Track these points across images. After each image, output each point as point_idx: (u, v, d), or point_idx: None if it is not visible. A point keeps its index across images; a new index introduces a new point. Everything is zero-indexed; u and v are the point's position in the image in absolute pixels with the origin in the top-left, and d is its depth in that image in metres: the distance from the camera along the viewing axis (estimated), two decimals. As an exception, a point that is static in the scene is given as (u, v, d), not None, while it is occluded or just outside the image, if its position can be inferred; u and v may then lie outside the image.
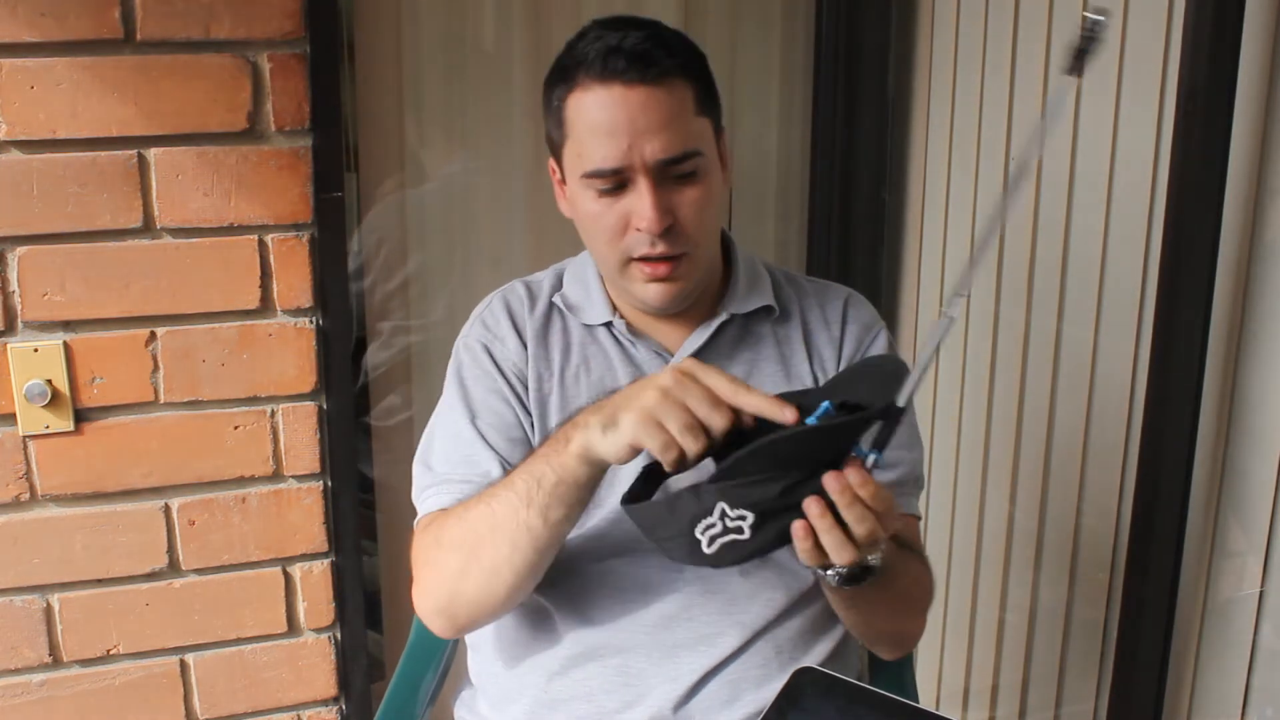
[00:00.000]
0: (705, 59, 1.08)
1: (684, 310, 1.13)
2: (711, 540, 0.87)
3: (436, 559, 1.06)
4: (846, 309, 1.19)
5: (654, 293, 1.07)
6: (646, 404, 0.89)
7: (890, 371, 0.91)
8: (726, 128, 1.13)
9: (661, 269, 1.05)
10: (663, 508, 0.90)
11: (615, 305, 1.15)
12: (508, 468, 1.08)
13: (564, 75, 1.04)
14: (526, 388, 1.13)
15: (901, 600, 1.09)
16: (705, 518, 0.87)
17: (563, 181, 1.12)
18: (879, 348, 1.18)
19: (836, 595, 1.04)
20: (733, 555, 0.88)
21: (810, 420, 0.88)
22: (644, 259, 1.05)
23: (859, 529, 0.86)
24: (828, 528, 0.86)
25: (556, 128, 1.08)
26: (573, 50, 1.04)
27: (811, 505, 0.85)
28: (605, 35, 1.02)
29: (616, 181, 1.03)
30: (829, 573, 0.94)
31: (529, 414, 1.12)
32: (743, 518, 0.87)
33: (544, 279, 1.21)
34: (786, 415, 0.87)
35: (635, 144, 1.01)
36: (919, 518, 1.18)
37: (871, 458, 0.87)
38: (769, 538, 0.87)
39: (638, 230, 1.03)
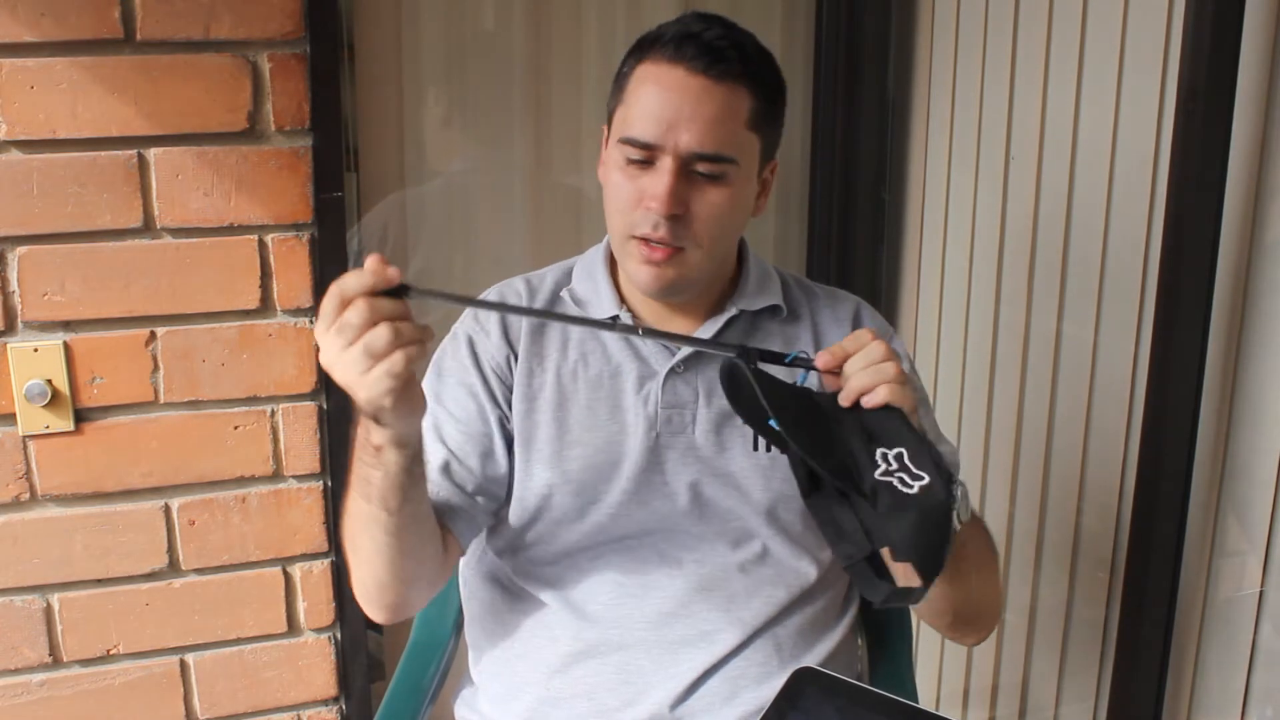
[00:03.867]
0: (782, 85, 1.10)
1: (692, 304, 1.14)
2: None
3: (349, 560, 1.08)
4: (859, 313, 1.20)
5: (644, 274, 1.08)
6: (328, 360, 0.88)
7: None
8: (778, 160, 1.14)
9: (657, 253, 1.06)
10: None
11: (624, 299, 1.16)
12: (453, 461, 1.10)
13: (641, 46, 1.08)
14: (508, 384, 1.13)
15: (987, 569, 1.09)
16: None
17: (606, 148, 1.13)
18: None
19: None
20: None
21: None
22: (644, 239, 1.06)
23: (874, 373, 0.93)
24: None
25: (617, 92, 1.10)
26: (661, 27, 1.07)
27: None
28: (692, 24, 1.05)
29: (646, 156, 1.04)
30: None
31: (500, 408, 1.12)
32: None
33: (548, 273, 1.21)
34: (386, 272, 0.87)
35: (675, 127, 1.02)
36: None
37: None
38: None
39: (647, 209, 1.04)
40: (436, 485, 1.09)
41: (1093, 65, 1.49)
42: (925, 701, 1.54)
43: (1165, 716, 1.40)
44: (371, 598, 1.08)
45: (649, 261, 1.06)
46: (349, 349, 0.86)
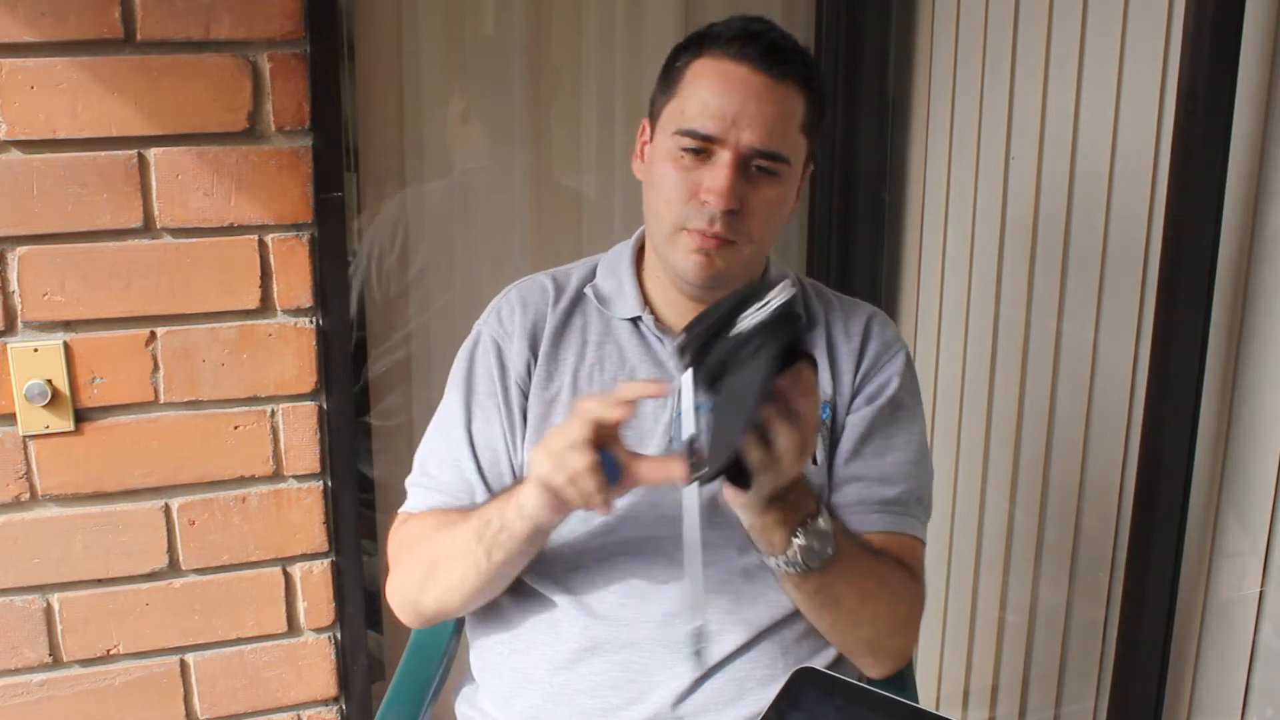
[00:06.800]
0: (827, 96, 1.13)
1: None
2: None
3: (405, 564, 1.16)
4: (870, 325, 1.20)
5: (694, 264, 1.08)
6: (541, 474, 0.95)
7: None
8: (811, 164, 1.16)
9: (711, 242, 1.06)
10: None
11: (647, 300, 1.16)
12: (485, 479, 1.14)
13: (697, 42, 1.09)
14: (525, 391, 1.15)
15: (871, 604, 1.08)
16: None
17: (648, 141, 1.14)
18: (895, 367, 1.18)
19: (803, 594, 1.05)
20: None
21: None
22: (699, 231, 1.06)
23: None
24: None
25: (667, 87, 1.10)
26: (713, 26, 1.08)
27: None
28: (751, 24, 1.07)
29: (703, 148, 1.05)
30: (778, 560, 0.98)
31: (524, 417, 1.15)
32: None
33: (574, 270, 1.22)
34: (652, 389, 0.93)
35: (739, 123, 1.04)
36: (920, 540, 1.16)
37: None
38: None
39: (704, 202, 1.05)
40: (481, 496, 1.14)
41: (1093, 65, 1.49)
42: (925, 701, 1.54)
43: (1165, 716, 1.40)
44: (419, 610, 1.16)
45: (700, 250, 1.07)
46: (566, 454, 0.92)
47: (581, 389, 1.14)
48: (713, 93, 1.05)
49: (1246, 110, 1.24)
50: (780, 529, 0.97)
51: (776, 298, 0.85)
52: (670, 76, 1.10)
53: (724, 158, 1.04)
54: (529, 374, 1.15)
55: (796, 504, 0.97)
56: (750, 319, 0.85)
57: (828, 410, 1.15)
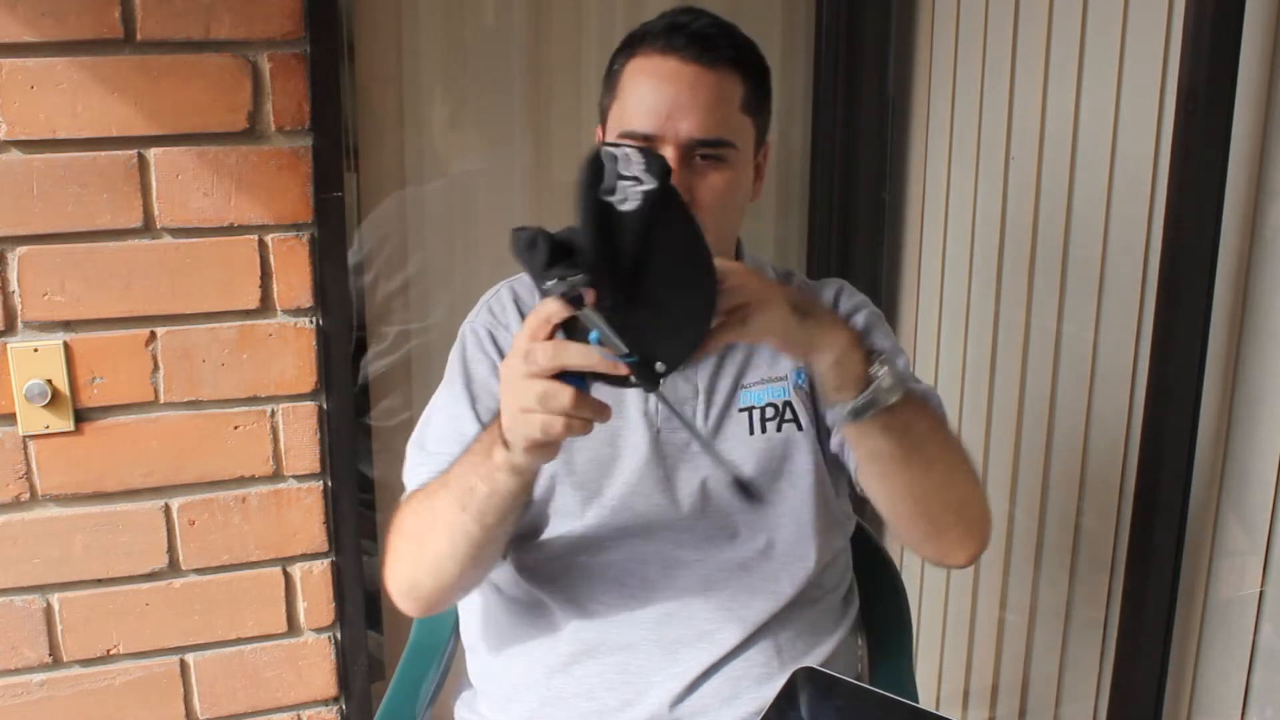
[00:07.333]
0: (768, 71, 1.13)
1: None
2: None
3: (398, 546, 1.09)
4: (839, 297, 1.22)
5: None
6: (505, 373, 0.89)
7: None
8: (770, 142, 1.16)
9: None
10: None
11: None
12: None
13: (629, 43, 1.10)
14: None
15: (955, 452, 1.07)
16: None
17: None
18: (862, 316, 1.20)
19: (891, 438, 1.00)
20: None
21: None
22: None
23: None
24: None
25: (609, 90, 1.11)
26: (645, 24, 1.09)
27: None
28: (677, 16, 1.07)
29: (647, 147, 1.04)
30: (864, 399, 0.94)
31: None
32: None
33: None
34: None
35: (674, 116, 1.04)
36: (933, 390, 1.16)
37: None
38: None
39: None
40: None
41: (1093, 65, 1.49)
42: (925, 701, 1.54)
43: (1165, 716, 1.40)
44: (419, 594, 1.09)
45: None
46: (528, 381, 0.85)
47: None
48: (646, 90, 1.06)
49: (1246, 110, 1.23)
50: (854, 354, 0.95)
51: (632, 184, 0.81)
52: (610, 80, 1.11)
53: (667, 153, 1.05)
54: None
55: (848, 352, 0.95)
56: (626, 205, 0.82)
57: (803, 376, 1.16)
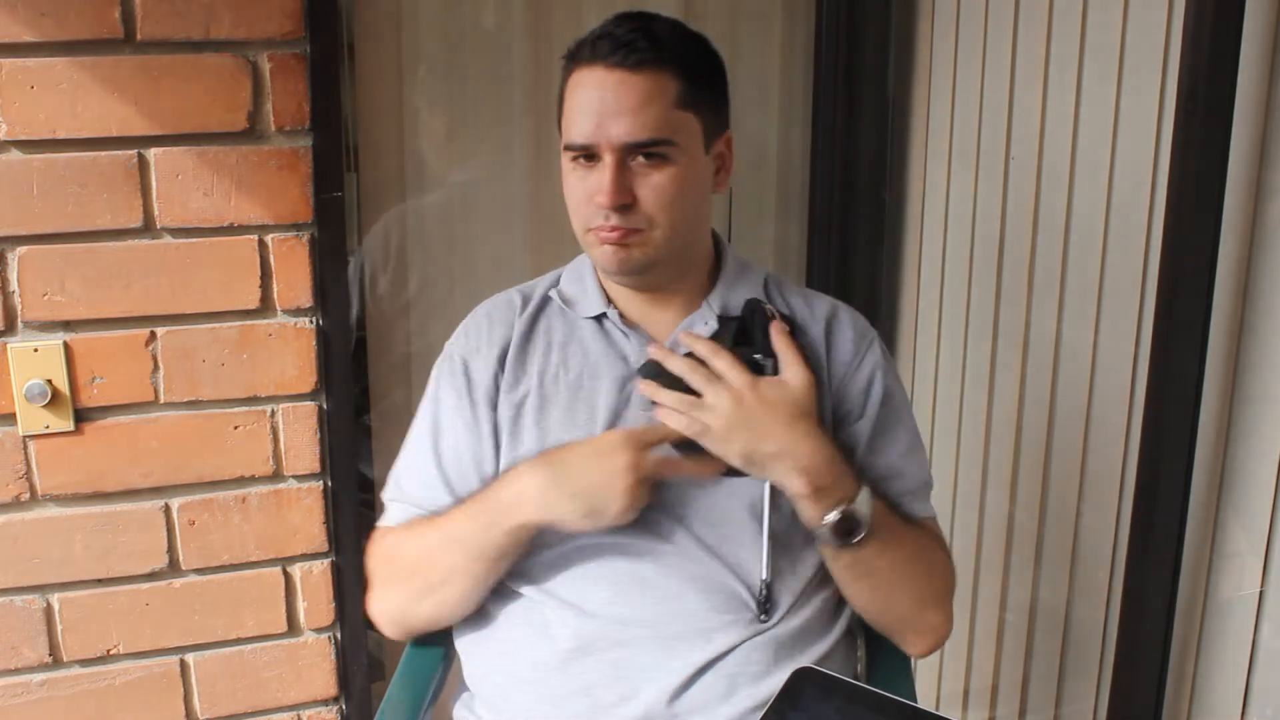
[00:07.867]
0: (711, 61, 1.15)
1: (669, 297, 1.19)
2: None
3: (390, 578, 1.19)
4: (836, 312, 1.23)
5: (607, 255, 1.12)
6: (619, 495, 1.05)
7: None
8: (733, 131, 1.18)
9: (615, 234, 1.10)
10: None
11: (610, 298, 1.20)
12: (456, 495, 1.16)
13: (568, 57, 1.13)
14: (494, 402, 1.18)
15: (910, 576, 1.14)
16: None
17: None
18: (874, 358, 1.21)
19: (841, 564, 1.11)
20: None
21: None
22: (599, 229, 1.11)
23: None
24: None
25: (559, 105, 1.15)
26: (581, 38, 1.12)
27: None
28: (609, 24, 1.10)
29: (588, 155, 1.09)
30: (824, 523, 1.06)
31: (494, 428, 1.18)
32: None
33: (541, 281, 1.26)
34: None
35: (603, 124, 1.07)
36: (935, 516, 1.23)
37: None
38: None
39: (598, 205, 1.09)
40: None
41: (1093, 65, 1.49)
42: (925, 701, 1.54)
43: (1165, 716, 1.40)
44: (410, 627, 1.21)
45: (609, 243, 1.11)
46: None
47: (548, 390, 1.16)
48: (580, 102, 1.09)
49: (1246, 110, 1.23)
50: (806, 503, 1.07)
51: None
52: (559, 96, 1.14)
53: (606, 160, 1.08)
54: (496, 385, 1.18)
55: (833, 486, 1.06)
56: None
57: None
